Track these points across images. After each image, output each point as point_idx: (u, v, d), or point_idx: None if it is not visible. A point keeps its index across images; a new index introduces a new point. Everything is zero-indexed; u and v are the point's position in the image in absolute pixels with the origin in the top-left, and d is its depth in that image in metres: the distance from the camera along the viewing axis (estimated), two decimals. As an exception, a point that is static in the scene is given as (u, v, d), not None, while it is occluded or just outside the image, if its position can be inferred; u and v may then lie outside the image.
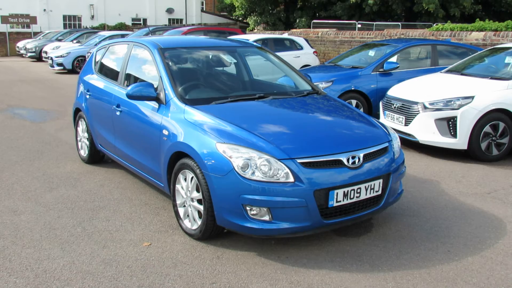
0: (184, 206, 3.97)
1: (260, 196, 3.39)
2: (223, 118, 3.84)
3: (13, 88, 13.87)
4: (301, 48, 13.74)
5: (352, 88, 8.13)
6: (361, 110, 8.17)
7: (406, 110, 6.61)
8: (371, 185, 3.70)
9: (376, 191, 3.76)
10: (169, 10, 39.46)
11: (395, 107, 6.85)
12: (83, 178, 5.51)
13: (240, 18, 34.87)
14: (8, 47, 29.77)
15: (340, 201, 3.56)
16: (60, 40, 23.54)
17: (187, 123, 3.91)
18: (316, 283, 3.26)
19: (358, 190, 3.63)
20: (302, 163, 3.46)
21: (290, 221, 3.46)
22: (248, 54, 5.26)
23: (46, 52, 20.65)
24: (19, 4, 32.44)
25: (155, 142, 4.24)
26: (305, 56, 13.57)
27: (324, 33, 15.36)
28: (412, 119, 6.49)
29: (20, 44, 26.66)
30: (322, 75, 8.49)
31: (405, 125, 6.62)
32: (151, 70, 4.61)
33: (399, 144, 4.23)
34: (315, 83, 8.05)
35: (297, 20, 28.74)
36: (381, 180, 3.77)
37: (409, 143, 6.90)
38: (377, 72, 8.26)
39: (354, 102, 8.15)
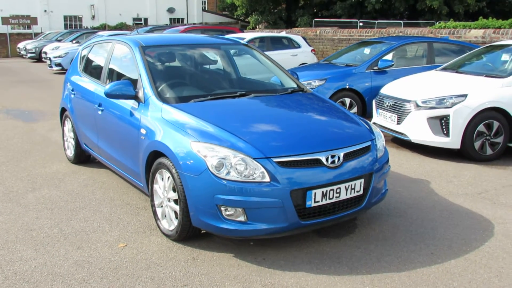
0: (162, 206, 3.88)
1: (235, 196, 3.29)
2: (200, 117, 3.75)
3: (10, 89, 13.83)
4: (299, 47, 13.63)
5: (346, 87, 8.02)
6: (355, 109, 8.06)
7: (399, 109, 6.50)
8: (351, 185, 3.59)
9: (357, 191, 3.66)
10: (170, 10, 39.44)
11: (387, 106, 6.74)
12: (68, 178, 5.43)
13: (241, 17, 34.83)
14: (9, 48, 29.79)
15: (318, 202, 3.45)
16: (60, 41, 23.51)
17: (164, 122, 3.82)
18: (291, 286, 3.16)
19: (338, 190, 3.53)
20: (279, 163, 3.36)
21: (266, 222, 3.36)
22: (233, 52, 5.16)
23: (45, 53, 20.63)
24: (20, 5, 32.52)
25: (134, 141, 4.16)
26: (303, 54, 13.45)
27: (323, 31, 15.24)
28: (404, 118, 6.38)
29: (21, 45, 26.68)
30: (316, 73, 8.38)
31: (397, 123, 6.51)
32: (132, 69, 4.53)
33: (383, 142, 4.12)
34: (308, 81, 8.02)
35: (299, 19, 28.63)
36: (362, 180, 3.66)
37: (402, 142, 6.79)
38: (372, 70, 8.14)
39: (348, 100, 8.05)
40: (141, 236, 3.91)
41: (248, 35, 13.67)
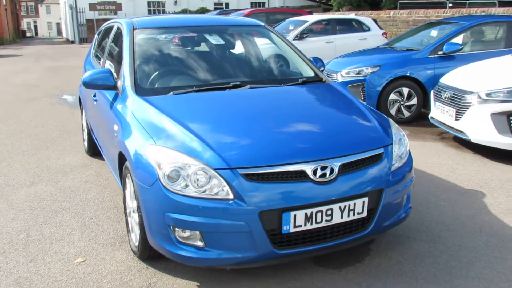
0: (131, 216, 3.31)
1: (189, 216, 2.61)
2: (170, 113, 3.09)
3: (77, 73, 14.07)
4: (368, 30, 12.45)
5: (407, 74, 6.95)
6: (414, 100, 6.99)
7: (458, 101, 5.41)
8: (349, 205, 2.77)
9: (359, 213, 2.83)
10: (252, -6, 38.92)
11: (445, 98, 5.66)
12: (73, 172, 5.05)
13: (323, 1, 33.46)
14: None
15: (300, 226, 2.68)
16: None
17: (132, 118, 3.22)
18: (248, 338, 2.44)
19: (329, 212, 2.73)
20: (246, 176, 2.63)
21: (228, 250, 2.65)
22: (244, 35, 4.42)
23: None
24: (106, -9, 33.67)
25: (111, 138, 3.61)
26: (373, 38, 12.26)
27: (396, 12, 13.87)
28: (464, 113, 5.29)
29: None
30: (369, 58, 7.40)
31: (456, 119, 5.43)
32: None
33: (407, 148, 3.23)
34: (360, 68, 7.07)
35: (383, 0, 26.87)
36: (366, 199, 2.82)
37: (465, 141, 5.70)
38: (436, 55, 6.99)
39: (405, 90, 6.98)
40: (107, 250, 3.36)
41: (312, 18, 12.76)
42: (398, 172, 3.04)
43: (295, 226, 2.67)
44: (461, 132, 5.37)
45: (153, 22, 4.34)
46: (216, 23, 4.46)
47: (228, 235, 2.63)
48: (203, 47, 4.20)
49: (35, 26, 74.96)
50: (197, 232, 2.65)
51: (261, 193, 2.61)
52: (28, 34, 61.98)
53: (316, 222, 2.71)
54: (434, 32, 7.73)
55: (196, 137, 2.81)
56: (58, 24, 65.31)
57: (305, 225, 2.69)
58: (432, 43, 7.14)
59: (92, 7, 30.33)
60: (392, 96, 6.98)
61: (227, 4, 37.90)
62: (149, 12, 35.35)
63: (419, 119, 7.09)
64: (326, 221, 2.74)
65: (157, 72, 3.73)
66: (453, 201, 4.13)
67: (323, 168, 2.72)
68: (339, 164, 2.77)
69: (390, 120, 3.39)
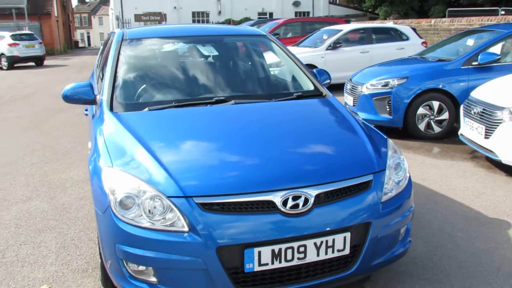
0: (102, 242, 3.05)
1: (140, 250, 2.32)
2: (137, 132, 2.82)
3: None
4: (407, 39, 11.88)
5: (438, 87, 6.43)
6: (446, 115, 6.46)
7: (487, 118, 4.88)
8: (326, 241, 2.40)
9: (340, 250, 2.45)
10: (296, 3, 38.64)
11: (475, 113, 5.13)
12: (73, 187, 4.89)
13: (370, 9, 32.79)
14: (141, 44, 31.58)
15: (266, 264, 2.33)
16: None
17: (99, 136, 2.98)
18: None
19: (302, 249, 2.37)
20: (203, 205, 2.31)
21: (183, 289, 2.34)
22: (242, 45, 4.11)
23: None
24: (152, 3, 34.27)
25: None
26: (411, 47, 11.66)
27: (438, 21, 13.17)
28: (494, 130, 4.76)
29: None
30: (396, 69, 6.91)
31: (485, 137, 4.90)
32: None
33: (406, 172, 2.81)
34: (385, 80, 6.62)
35: (431, 9, 25.97)
36: (347, 234, 2.44)
37: (497, 161, 5.15)
38: (470, 66, 6.43)
39: (436, 104, 6.46)
40: (76, 277, 3.12)
41: (347, 27, 12.33)
42: (392, 202, 2.63)
43: (260, 265, 2.32)
44: (490, 151, 4.84)
45: (146, 32, 4.12)
46: (213, 32, 4.18)
47: (183, 272, 2.32)
48: (194, 58, 3.92)
49: (88, 37, 77.74)
50: (150, 268, 2.36)
51: (219, 226, 2.28)
52: (80, 45, 64.27)
53: (286, 260, 2.36)
54: (470, 41, 7.16)
55: (156, 161, 2.52)
56: (109, 35, 67.25)
57: (272, 263, 2.34)
58: (466, 52, 6.58)
59: (137, 18, 30.98)
60: (421, 110, 6.47)
61: (271, 14, 37.83)
62: (193, 21, 35.79)
63: (451, 135, 6.53)
64: (299, 259, 2.38)
65: (139, 86, 3.48)
66: (471, 232, 3.65)
67: (295, 198, 2.37)
68: (315, 193, 2.40)
69: (389, 141, 2.98)
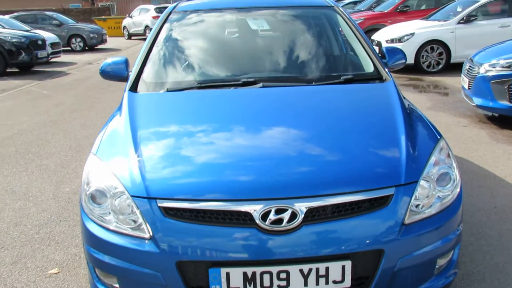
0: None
1: (103, 255, 2.06)
2: (136, 117, 2.54)
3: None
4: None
5: None
6: None
7: None
8: (317, 269, 1.89)
9: (336, 282, 1.92)
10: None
11: None
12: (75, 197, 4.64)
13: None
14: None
15: (237, 289, 1.91)
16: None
17: (109, 119, 2.78)
18: None
19: (283, 276, 1.89)
20: (165, 209, 1.95)
21: (144, 304, 2.02)
22: (301, 18, 3.56)
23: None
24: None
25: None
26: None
27: None
28: None
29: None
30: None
31: None
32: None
33: (456, 186, 2.14)
34: (510, 60, 5.52)
35: None
36: (347, 263, 1.89)
37: None
38: None
39: None
40: (90, 263, 2.99)
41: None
42: (425, 224, 2.01)
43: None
44: None
45: (198, 4, 3.80)
46: (271, 4, 3.68)
47: (143, 285, 2.00)
48: (240, 33, 3.48)
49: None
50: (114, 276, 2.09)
51: (182, 236, 1.91)
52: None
53: (262, 286, 1.91)
54: None
55: (136, 153, 2.21)
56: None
57: (245, 288, 1.91)
58: None
59: None
60: (553, 98, 5.28)
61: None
62: None
63: None
64: (280, 287, 1.91)
65: (170, 63, 3.18)
66: None
67: (279, 212, 1.89)
68: (305, 207, 1.90)
69: (441, 144, 2.29)
